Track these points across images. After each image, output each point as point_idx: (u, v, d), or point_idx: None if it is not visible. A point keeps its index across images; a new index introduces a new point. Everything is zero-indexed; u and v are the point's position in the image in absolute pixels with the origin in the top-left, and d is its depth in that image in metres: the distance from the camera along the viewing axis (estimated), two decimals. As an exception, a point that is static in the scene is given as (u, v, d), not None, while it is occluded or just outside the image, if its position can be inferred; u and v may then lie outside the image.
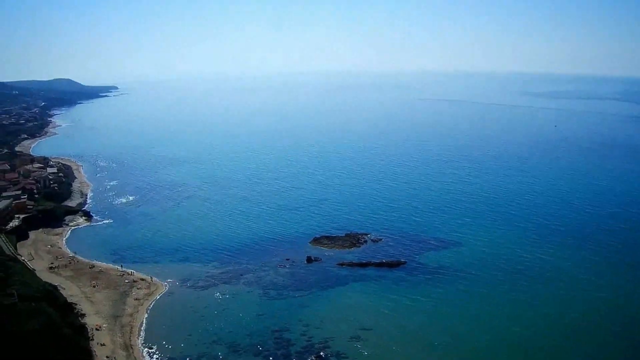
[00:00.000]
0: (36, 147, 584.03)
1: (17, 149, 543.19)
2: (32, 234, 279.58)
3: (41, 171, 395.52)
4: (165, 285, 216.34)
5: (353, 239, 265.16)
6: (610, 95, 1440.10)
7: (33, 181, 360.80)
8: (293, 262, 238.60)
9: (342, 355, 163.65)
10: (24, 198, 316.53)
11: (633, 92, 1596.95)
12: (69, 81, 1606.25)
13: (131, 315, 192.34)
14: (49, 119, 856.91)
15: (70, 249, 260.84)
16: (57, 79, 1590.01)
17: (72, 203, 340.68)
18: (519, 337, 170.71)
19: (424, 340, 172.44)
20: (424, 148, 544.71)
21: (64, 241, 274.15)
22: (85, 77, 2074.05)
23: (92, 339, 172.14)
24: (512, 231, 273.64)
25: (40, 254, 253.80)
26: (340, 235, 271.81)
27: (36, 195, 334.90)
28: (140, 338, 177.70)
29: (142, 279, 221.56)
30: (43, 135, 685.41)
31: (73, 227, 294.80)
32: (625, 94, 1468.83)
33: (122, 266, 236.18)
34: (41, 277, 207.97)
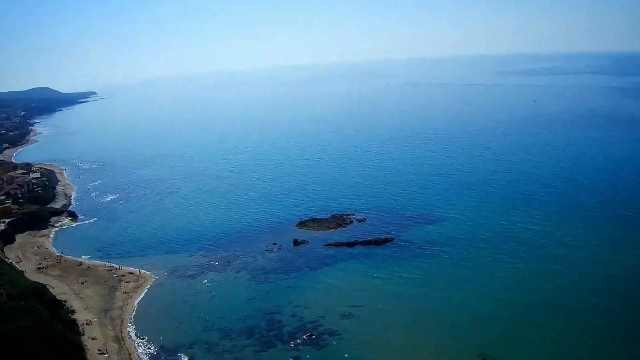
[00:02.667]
0: (19, 155, 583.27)
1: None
2: (19, 237, 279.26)
3: (24, 176, 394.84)
4: (154, 277, 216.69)
5: (339, 220, 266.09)
6: (586, 69, 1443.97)
7: (17, 186, 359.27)
8: (280, 245, 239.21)
9: (334, 333, 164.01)
10: (9, 203, 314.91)
11: (607, 65, 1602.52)
12: (48, 89, 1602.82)
13: (121, 308, 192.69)
14: (29, 127, 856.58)
15: (57, 249, 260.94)
16: (35, 88, 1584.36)
17: (56, 205, 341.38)
18: (504, 312, 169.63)
19: (414, 314, 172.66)
20: (402, 130, 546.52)
21: (50, 242, 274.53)
22: (63, 84, 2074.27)
23: (83, 334, 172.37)
24: (494, 206, 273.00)
25: (28, 255, 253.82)
26: (325, 217, 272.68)
27: (21, 200, 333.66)
28: (131, 330, 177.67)
29: (130, 273, 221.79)
30: (25, 143, 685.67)
31: (59, 228, 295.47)
32: (601, 68, 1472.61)
33: (109, 262, 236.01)
34: (30, 278, 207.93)
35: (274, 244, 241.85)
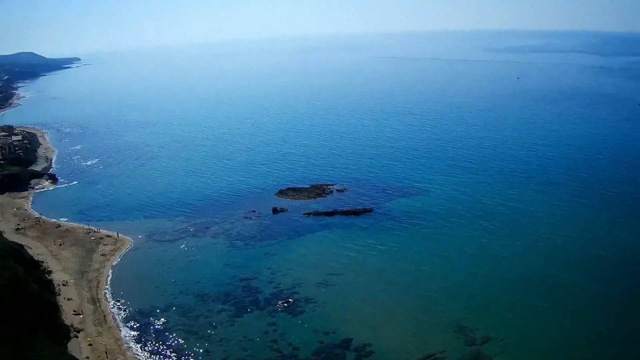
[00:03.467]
0: (1, 117, 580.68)
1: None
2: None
3: (6, 139, 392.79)
4: (132, 241, 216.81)
5: (319, 190, 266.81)
6: (572, 48, 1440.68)
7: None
8: (259, 213, 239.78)
9: (311, 300, 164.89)
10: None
11: (593, 44, 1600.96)
12: (32, 54, 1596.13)
13: (98, 270, 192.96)
14: (12, 91, 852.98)
15: (36, 211, 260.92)
16: (19, 53, 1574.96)
17: (37, 168, 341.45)
18: (478, 287, 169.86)
19: (389, 283, 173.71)
20: (386, 103, 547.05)
21: (29, 204, 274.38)
22: (48, 50, 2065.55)
23: (59, 294, 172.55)
24: (475, 179, 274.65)
25: (7, 217, 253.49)
26: (305, 186, 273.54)
27: (1, 161, 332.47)
28: (107, 292, 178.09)
29: (109, 236, 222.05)
30: (7, 106, 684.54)
31: (39, 190, 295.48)
32: (588, 47, 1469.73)
33: (88, 224, 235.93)
34: (8, 238, 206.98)
35: (252, 211, 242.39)
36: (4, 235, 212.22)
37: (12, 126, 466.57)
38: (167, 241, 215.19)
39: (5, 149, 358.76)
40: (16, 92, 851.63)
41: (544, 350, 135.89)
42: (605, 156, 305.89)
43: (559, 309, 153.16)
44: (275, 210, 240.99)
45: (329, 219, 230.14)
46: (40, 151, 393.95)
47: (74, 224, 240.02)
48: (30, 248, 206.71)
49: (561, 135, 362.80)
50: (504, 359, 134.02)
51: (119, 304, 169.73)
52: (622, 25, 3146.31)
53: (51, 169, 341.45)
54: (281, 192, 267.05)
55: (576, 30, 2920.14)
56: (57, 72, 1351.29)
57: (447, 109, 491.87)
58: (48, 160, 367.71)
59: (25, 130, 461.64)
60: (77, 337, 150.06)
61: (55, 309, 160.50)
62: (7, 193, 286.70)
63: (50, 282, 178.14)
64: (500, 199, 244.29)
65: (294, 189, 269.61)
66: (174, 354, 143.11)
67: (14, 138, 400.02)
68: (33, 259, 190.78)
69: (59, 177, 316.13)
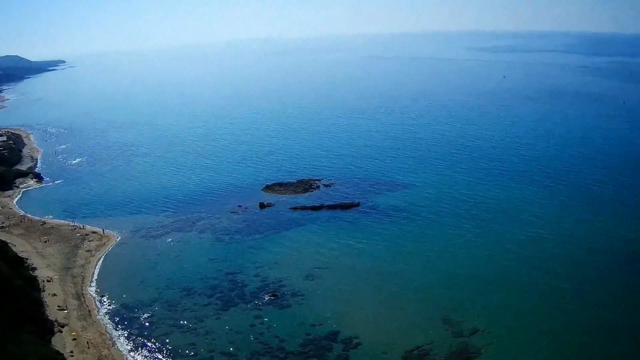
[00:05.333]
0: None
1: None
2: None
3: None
4: (117, 237, 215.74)
5: (305, 185, 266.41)
6: (553, 48, 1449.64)
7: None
8: (245, 208, 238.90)
9: (297, 294, 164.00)
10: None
11: (576, 44, 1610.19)
12: (17, 58, 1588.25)
13: (83, 266, 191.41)
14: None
15: (21, 209, 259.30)
16: (5, 57, 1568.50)
17: (22, 167, 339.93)
18: (466, 275, 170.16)
19: (376, 277, 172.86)
20: (369, 101, 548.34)
21: (14, 202, 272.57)
22: (34, 53, 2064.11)
23: (44, 290, 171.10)
24: (460, 175, 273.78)
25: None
26: (292, 181, 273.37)
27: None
28: (92, 287, 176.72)
29: (94, 232, 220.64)
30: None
31: (24, 189, 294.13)
32: (569, 47, 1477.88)
33: (73, 221, 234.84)
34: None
35: (239, 206, 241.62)
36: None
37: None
38: (153, 236, 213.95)
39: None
40: (0, 94, 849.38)
41: (531, 342, 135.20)
42: (589, 155, 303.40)
43: (542, 303, 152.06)
44: (262, 205, 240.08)
45: (316, 214, 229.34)
46: (25, 151, 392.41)
47: (59, 221, 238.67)
48: (15, 245, 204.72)
49: (546, 134, 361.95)
50: (493, 350, 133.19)
51: (104, 298, 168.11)
52: (602, 26, 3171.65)
53: (36, 168, 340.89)
54: (268, 187, 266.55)
55: (557, 31, 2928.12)
56: (41, 74, 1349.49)
57: (430, 107, 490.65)
58: (33, 159, 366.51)
59: (10, 131, 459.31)
60: (61, 332, 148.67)
61: (40, 304, 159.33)
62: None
63: (34, 279, 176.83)
64: (483, 196, 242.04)
65: (280, 184, 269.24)
66: (159, 348, 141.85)
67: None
68: (17, 256, 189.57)
69: (44, 176, 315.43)
